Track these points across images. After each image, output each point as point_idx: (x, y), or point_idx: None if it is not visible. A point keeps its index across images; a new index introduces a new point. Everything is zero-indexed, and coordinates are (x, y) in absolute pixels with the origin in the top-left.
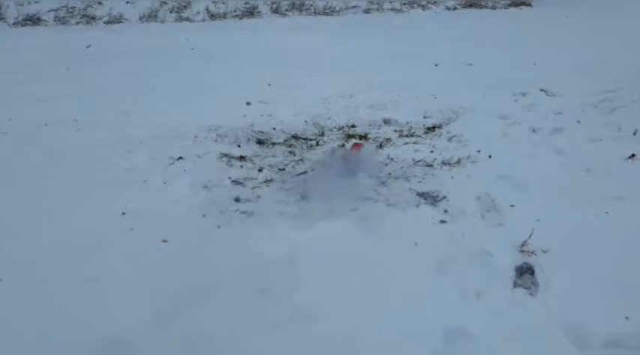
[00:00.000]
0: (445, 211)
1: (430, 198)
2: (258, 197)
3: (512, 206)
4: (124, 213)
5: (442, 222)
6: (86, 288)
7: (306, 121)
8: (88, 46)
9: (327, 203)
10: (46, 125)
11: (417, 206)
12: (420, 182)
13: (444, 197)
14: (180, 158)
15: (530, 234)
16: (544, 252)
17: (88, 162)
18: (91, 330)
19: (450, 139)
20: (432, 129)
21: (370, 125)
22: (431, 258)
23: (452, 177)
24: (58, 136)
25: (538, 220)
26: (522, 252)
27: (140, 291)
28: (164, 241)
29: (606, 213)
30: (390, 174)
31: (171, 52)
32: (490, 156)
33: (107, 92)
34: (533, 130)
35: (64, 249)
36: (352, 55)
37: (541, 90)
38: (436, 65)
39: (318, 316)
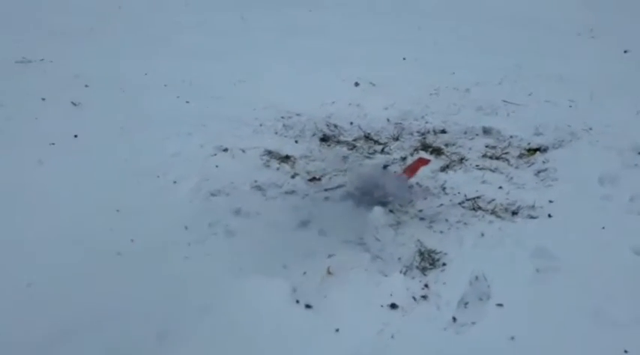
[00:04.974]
0: (425, 286)
1: (426, 261)
2: (258, 214)
3: (499, 305)
4: (118, 211)
5: (392, 307)
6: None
7: (388, 120)
8: None
9: (314, 239)
10: (166, 86)
11: (402, 271)
12: (440, 233)
13: (443, 264)
14: (226, 150)
15: None
16: None
17: (145, 142)
18: None
19: (537, 173)
20: (532, 152)
21: (465, 132)
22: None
23: (482, 235)
24: (157, 101)
25: (512, 338)
26: None
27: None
28: (118, 254)
29: None
30: (420, 211)
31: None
32: (550, 216)
33: (247, 51)
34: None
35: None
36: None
37: None
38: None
39: None
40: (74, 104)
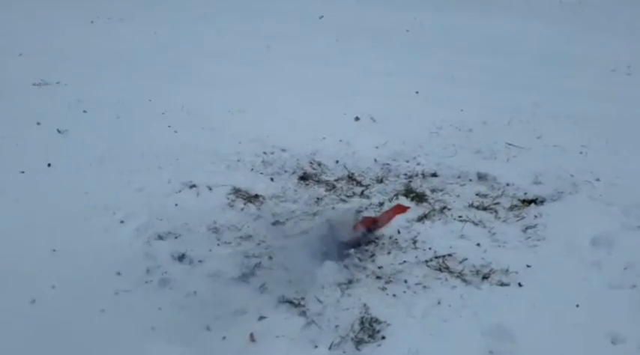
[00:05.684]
0: None
1: (365, 332)
2: (202, 262)
3: None
4: (54, 251)
5: None
6: None
7: (375, 160)
8: (321, 17)
9: (251, 296)
10: (163, 113)
11: (334, 344)
12: (392, 296)
13: (382, 338)
14: (193, 187)
15: None
16: None
17: (113, 175)
18: None
19: (525, 229)
20: (526, 203)
21: (459, 177)
22: None
23: (438, 303)
24: (146, 130)
25: None
26: None
27: None
28: (32, 301)
29: None
30: (380, 267)
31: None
32: (520, 285)
33: (261, 80)
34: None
35: None
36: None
37: None
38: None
39: None
40: (59, 131)
